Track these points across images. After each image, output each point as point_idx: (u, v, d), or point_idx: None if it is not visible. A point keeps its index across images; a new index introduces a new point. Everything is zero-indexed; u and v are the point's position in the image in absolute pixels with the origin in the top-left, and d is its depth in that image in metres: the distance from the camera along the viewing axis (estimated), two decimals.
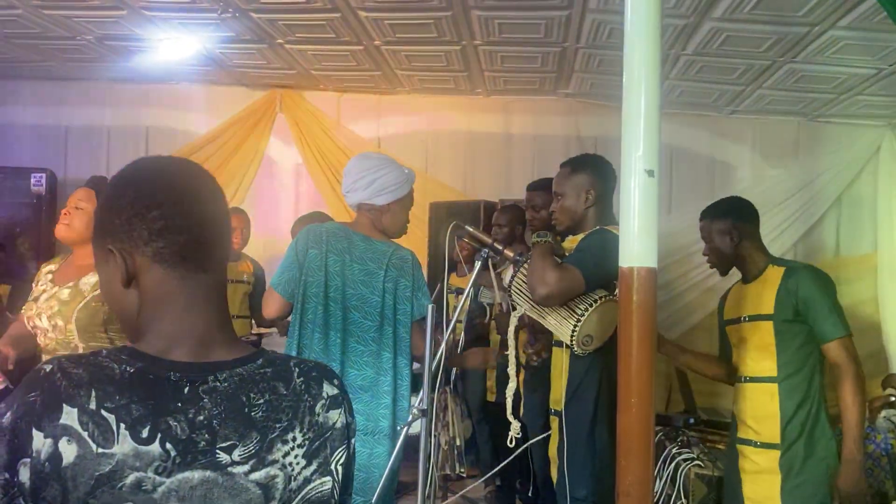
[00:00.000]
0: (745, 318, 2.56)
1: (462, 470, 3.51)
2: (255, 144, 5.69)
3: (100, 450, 0.80)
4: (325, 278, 2.40)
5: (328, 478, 0.93)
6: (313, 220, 3.87)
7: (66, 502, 0.79)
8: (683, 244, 5.69)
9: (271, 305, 2.46)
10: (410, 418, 2.09)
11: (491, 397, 4.11)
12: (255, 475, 0.87)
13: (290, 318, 2.52)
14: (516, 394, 2.67)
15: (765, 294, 2.49)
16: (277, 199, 5.75)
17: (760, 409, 2.47)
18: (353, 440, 0.99)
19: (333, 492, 0.94)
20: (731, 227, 2.58)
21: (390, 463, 2.13)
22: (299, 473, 0.91)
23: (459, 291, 3.94)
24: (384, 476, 2.12)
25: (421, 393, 2.13)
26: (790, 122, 5.63)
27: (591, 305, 2.24)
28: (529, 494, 3.68)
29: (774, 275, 2.49)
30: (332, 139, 5.67)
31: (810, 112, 5.42)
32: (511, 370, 2.56)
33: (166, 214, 0.92)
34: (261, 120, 5.71)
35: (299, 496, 0.90)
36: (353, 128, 5.74)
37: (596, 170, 2.49)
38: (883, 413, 4.98)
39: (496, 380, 4.09)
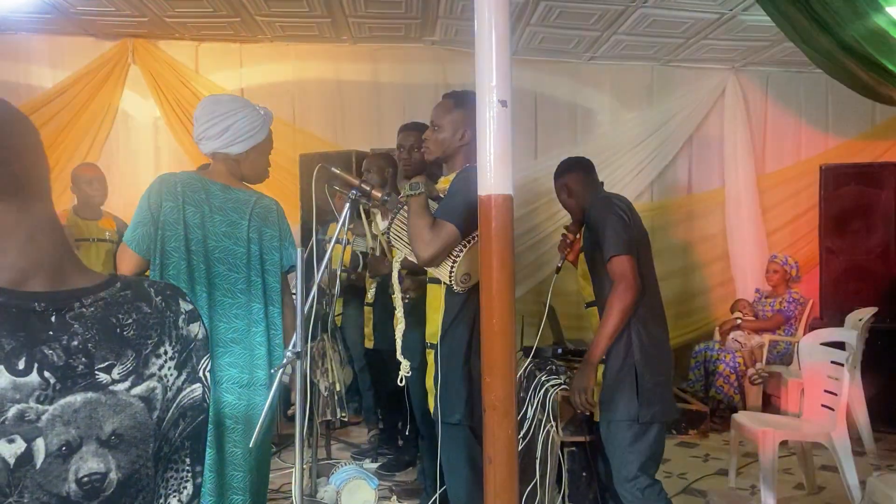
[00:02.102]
0: (581, 253, 2.88)
1: (343, 415, 3.55)
2: (107, 98, 5.36)
3: None
4: (184, 232, 2.29)
5: (198, 384, 1.00)
6: None
7: None
8: (550, 187, 5.89)
9: (126, 263, 2.32)
10: (284, 361, 2.10)
11: (369, 344, 4.16)
12: (136, 390, 0.92)
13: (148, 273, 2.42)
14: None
15: (585, 229, 2.79)
16: (135, 155, 5.46)
17: (593, 330, 2.74)
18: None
19: (204, 396, 1.01)
20: (564, 183, 2.89)
21: (266, 405, 2.12)
22: (173, 383, 0.96)
23: (339, 241, 3.92)
24: (261, 420, 2.11)
25: (294, 337, 2.13)
26: (644, 67, 5.92)
27: (465, 246, 2.31)
28: (407, 433, 3.78)
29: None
30: (192, 90, 5.42)
31: (662, 57, 5.72)
32: (399, 313, 2.59)
33: (7, 154, 0.89)
34: (112, 72, 5.37)
35: (174, 404, 0.97)
36: (213, 78, 5.51)
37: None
38: (731, 335, 5.46)
39: (373, 327, 4.14)
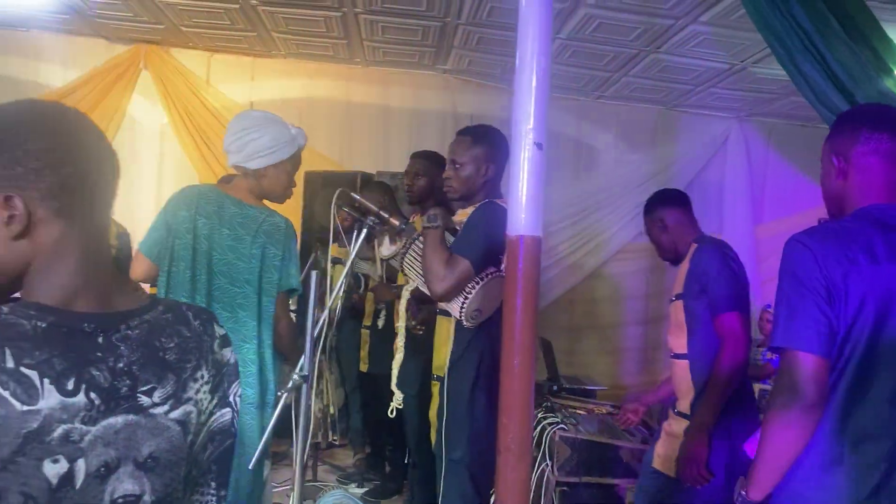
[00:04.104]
0: (672, 297, 2.63)
1: (335, 438, 3.51)
2: (115, 102, 5.33)
3: (24, 407, 0.79)
4: (192, 242, 2.31)
5: (228, 409, 1.02)
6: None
7: None
8: (548, 221, 5.95)
9: (137, 268, 2.35)
10: (291, 384, 2.08)
11: (364, 367, 4.13)
12: (174, 413, 0.92)
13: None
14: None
15: (681, 273, 2.57)
16: (140, 161, 5.43)
17: (680, 383, 2.55)
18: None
19: (233, 420, 1.03)
20: (659, 217, 2.73)
21: (268, 430, 2.10)
22: (206, 407, 0.98)
23: (336, 261, 3.91)
24: (262, 442, 2.09)
25: (302, 359, 2.11)
26: (650, 110, 5.99)
27: (478, 283, 2.30)
28: (405, 461, 3.75)
29: (689, 253, 2.57)
30: (201, 100, 5.41)
31: (669, 101, 5.79)
32: (399, 342, 2.57)
33: (80, 172, 0.89)
34: (123, 75, 5.36)
35: (205, 428, 0.98)
36: (223, 90, 5.51)
37: (496, 144, 2.52)
38: None
39: (369, 350, 4.11)
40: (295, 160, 2.45)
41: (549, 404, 3.34)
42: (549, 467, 2.90)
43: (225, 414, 1.01)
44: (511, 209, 1.55)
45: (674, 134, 6.03)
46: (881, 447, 1.48)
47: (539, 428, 3.07)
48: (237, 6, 4.41)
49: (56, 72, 5.30)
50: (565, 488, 3.10)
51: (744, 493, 1.59)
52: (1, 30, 5.10)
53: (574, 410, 3.37)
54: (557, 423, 2.97)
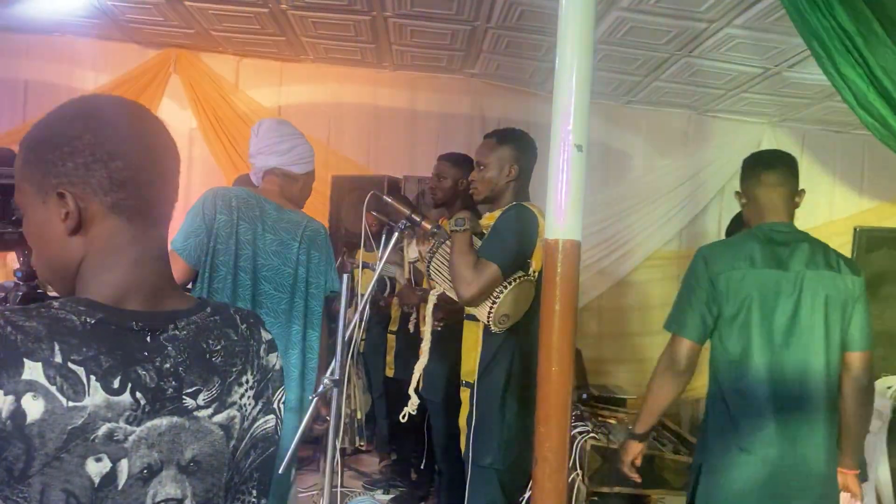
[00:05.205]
0: None
1: (361, 443, 3.49)
2: (146, 106, 5.35)
3: (70, 403, 0.78)
4: (235, 247, 2.28)
5: (272, 415, 1.00)
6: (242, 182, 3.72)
7: (30, 461, 0.75)
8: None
9: (175, 272, 2.32)
10: (322, 388, 2.06)
11: (390, 372, 4.11)
12: (218, 417, 0.91)
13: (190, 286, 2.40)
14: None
15: None
16: None
17: None
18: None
19: (276, 428, 1.01)
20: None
21: (299, 431, 2.08)
22: (250, 413, 0.96)
23: (364, 266, 3.89)
24: (292, 446, 2.07)
25: (333, 363, 2.10)
26: (681, 115, 5.90)
27: (506, 287, 2.26)
28: (422, 467, 3.72)
29: None
30: (230, 104, 5.44)
31: (700, 106, 5.70)
32: (425, 346, 2.54)
33: (132, 166, 0.88)
34: (153, 80, 5.40)
35: (248, 434, 0.96)
36: (252, 94, 5.53)
37: (521, 145, 2.50)
38: None
39: (395, 355, 4.09)
40: (314, 172, 2.55)
41: (578, 412, 3.29)
42: (580, 477, 2.85)
43: (269, 421, 0.99)
44: (550, 213, 1.52)
45: (704, 139, 5.95)
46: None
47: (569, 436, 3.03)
48: (267, 10, 4.42)
49: (89, 76, 5.35)
50: (595, 498, 3.05)
51: (630, 427, 2.16)
52: (36, 35, 5.17)
53: (604, 419, 3.31)
54: (588, 432, 2.92)
